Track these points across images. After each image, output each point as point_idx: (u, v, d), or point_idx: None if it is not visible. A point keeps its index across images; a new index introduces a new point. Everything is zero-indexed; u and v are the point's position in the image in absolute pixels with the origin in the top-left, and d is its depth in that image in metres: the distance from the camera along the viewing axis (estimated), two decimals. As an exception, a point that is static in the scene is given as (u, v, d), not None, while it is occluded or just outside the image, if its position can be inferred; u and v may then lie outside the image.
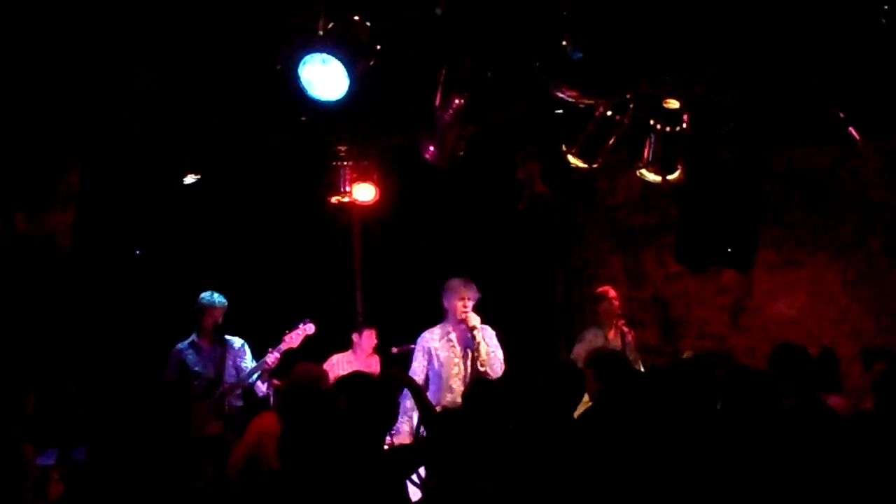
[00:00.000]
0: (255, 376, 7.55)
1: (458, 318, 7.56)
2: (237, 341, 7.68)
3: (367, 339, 8.34)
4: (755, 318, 9.16)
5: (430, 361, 7.63)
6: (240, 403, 7.63)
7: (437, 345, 7.66)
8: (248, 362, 7.67)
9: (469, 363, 7.58)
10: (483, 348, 7.52)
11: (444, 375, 7.60)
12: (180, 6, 5.49)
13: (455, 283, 7.66)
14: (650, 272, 9.83)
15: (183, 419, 4.79)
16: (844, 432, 4.59)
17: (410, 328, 8.00)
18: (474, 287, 7.64)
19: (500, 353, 7.65)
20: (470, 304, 7.58)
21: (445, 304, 7.67)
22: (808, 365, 5.08)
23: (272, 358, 7.46)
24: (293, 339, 7.58)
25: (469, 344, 7.56)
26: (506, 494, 4.35)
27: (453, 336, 7.64)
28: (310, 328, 7.64)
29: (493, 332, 7.72)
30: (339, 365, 8.17)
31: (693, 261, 8.35)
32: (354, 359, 8.28)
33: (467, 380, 7.48)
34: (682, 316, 9.62)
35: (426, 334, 7.72)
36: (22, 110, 6.32)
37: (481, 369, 7.49)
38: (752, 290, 9.21)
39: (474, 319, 7.53)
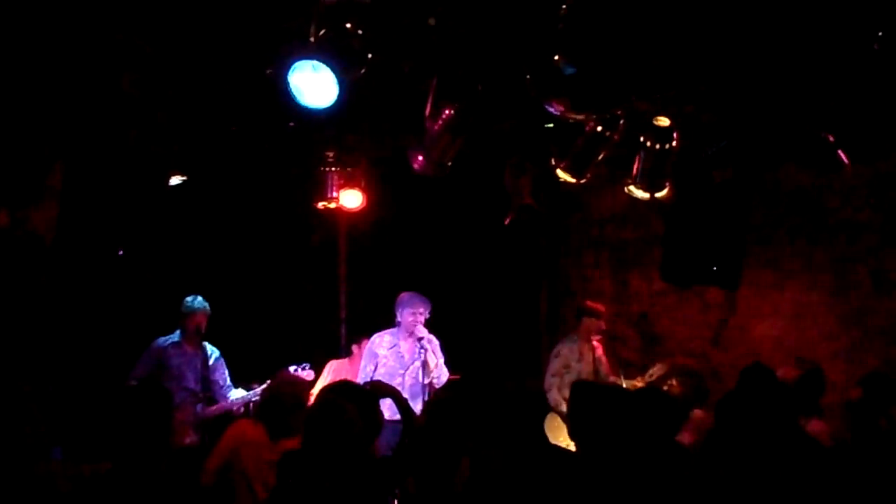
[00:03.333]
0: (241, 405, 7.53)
1: (409, 330, 7.69)
2: (215, 353, 7.64)
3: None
4: (739, 336, 9.17)
5: (375, 368, 7.72)
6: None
7: (384, 352, 7.80)
8: (226, 376, 7.63)
9: (409, 376, 7.71)
10: (431, 359, 7.67)
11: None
12: (171, 7, 5.45)
13: (408, 296, 7.84)
14: (635, 288, 9.83)
15: (165, 422, 4.73)
16: (823, 461, 4.56)
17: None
18: (427, 301, 7.79)
19: (442, 363, 7.79)
20: (421, 317, 7.73)
21: (398, 316, 7.82)
22: (778, 388, 5.05)
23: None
24: None
25: (416, 357, 7.68)
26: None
27: (402, 347, 7.79)
28: (309, 375, 7.58)
29: (438, 343, 7.84)
30: (336, 371, 8.16)
31: (678, 278, 8.35)
32: (350, 367, 8.26)
33: (407, 391, 7.52)
34: (666, 332, 9.62)
35: (375, 339, 7.86)
36: (6, 107, 6.27)
37: (426, 380, 7.64)
38: (737, 308, 9.22)
39: (422, 331, 7.68)
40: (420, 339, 7.63)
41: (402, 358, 7.77)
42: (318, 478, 4.08)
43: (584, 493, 4.30)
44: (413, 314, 7.70)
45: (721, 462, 4.51)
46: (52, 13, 5.54)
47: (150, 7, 5.44)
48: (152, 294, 8.27)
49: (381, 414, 4.62)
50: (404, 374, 7.73)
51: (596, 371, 8.24)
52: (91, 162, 7.36)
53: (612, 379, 8.14)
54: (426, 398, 7.48)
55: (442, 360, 7.78)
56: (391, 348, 7.79)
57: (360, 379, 7.54)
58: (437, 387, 7.64)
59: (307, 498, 4.07)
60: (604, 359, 8.44)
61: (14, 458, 4.47)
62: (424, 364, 7.62)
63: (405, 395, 7.42)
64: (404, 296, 7.84)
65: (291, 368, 7.44)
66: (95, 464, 4.52)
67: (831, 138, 6.50)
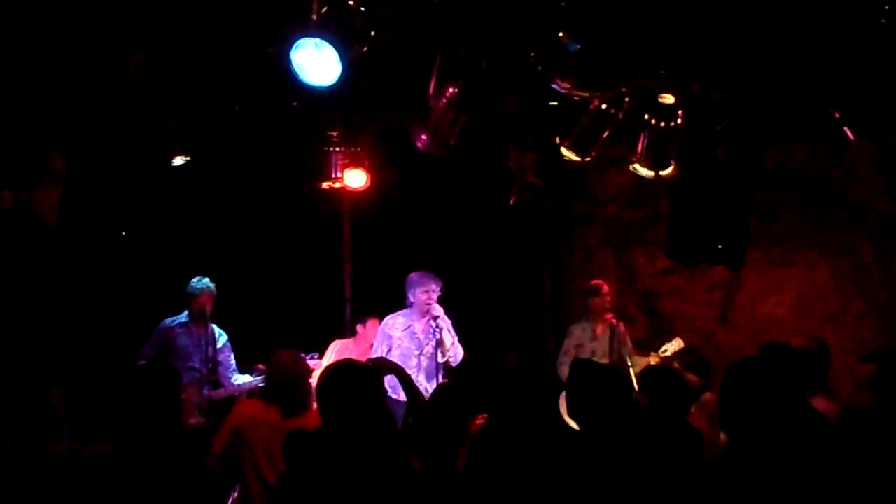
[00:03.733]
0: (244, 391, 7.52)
1: (422, 310, 7.63)
2: (223, 336, 7.63)
3: (370, 328, 8.33)
4: (744, 315, 9.15)
5: (389, 350, 7.67)
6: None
7: (398, 334, 7.74)
8: (231, 360, 7.64)
9: (425, 357, 7.66)
10: (447, 338, 7.61)
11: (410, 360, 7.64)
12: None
13: (417, 275, 7.76)
14: (640, 267, 9.81)
15: (173, 405, 4.74)
16: (829, 438, 4.54)
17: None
18: (438, 279, 7.72)
19: (458, 343, 7.73)
20: (434, 295, 7.65)
21: (410, 296, 7.74)
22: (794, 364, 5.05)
23: None
24: None
25: (431, 337, 7.62)
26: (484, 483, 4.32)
27: (416, 328, 7.72)
28: (316, 365, 7.48)
29: (450, 322, 7.77)
30: (340, 352, 8.16)
31: (683, 257, 8.33)
32: (355, 347, 8.26)
33: (423, 372, 7.55)
34: (671, 311, 9.61)
35: (388, 321, 7.80)
36: (9, 89, 6.26)
37: (442, 360, 7.59)
38: (742, 287, 9.20)
39: (438, 310, 7.61)
40: (436, 317, 7.55)
41: (416, 339, 7.70)
42: (329, 457, 4.08)
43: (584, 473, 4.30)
44: (426, 292, 7.62)
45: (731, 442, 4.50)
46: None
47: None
48: (156, 275, 8.27)
49: (384, 391, 4.62)
50: (419, 355, 7.66)
51: (614, 350, 8.14)
52: (95, 143, 7.36)
53: (633, 358, 8.07)
54: (440, 379, 7.46)
55: (457, 339, 7.71)
56: (405, 329, 7.72)
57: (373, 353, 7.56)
58: (452, 366, 7.60)
59: (320, 477, 4.07)
60: (627, 337, 8.38)
61: (28, 440, 4.48)
62: (440, 343, 7.56)
63: (421, 376, 7.49)
64: (414, 275, 7.76)
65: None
66: (102, 443, 4.53)
67: (837, 114, 6.45)
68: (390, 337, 7.72)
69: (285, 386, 5.55)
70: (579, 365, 4.90)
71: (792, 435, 4.02)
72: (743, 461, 3.97)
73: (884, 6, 5.10)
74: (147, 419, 4.34)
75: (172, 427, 4.43)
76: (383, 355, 7.57)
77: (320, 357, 7.67)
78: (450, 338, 7.63)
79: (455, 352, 7.66)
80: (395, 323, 7.77)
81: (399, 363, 7.45)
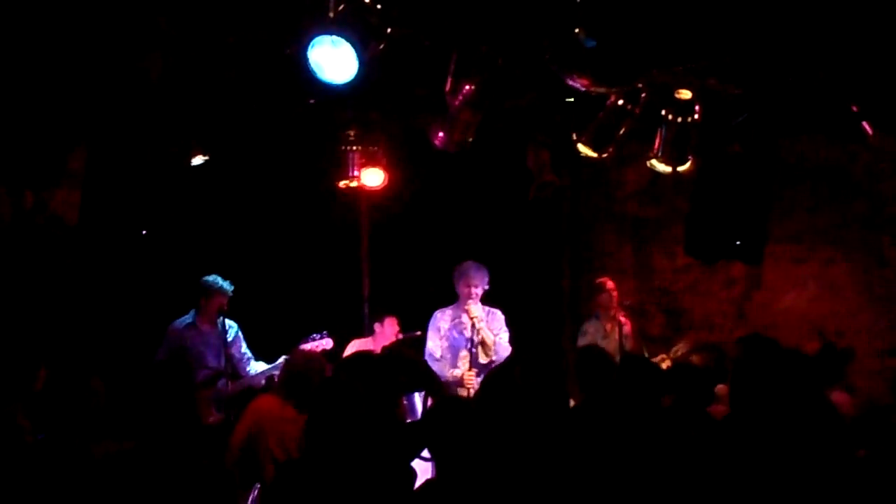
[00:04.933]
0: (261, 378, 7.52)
1: (465, 302, 7.55)
2: (233, 327, 7.62)
3: (388, 326, 8.29)
4: (763, 311, 9.12)
5: (439, 342, 7.63)
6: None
7: (447, 325, 7.68)
8: (244, 350, 7.64)
9: (475, 349, 7.51)
10: (488, 337, 7.52)
11: (449, 358, 7.59)
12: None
13: (465, 267, 7.67)
14: (658, 264, 9.79)
15: (189, 402, 4.76)
16: (843, 431, 4.53)
17: (417, 314, 8.00)
18: (485, 272, 7.64)
19: (505, 339, 7.63)
20: (477, 290, 7.57)
21: (456, 287, 7.67)
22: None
23: None
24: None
25: (474, 334, 7.51)
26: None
27: (465, 319, 7.58)
28: (328, 343, 7.50)
29: (502, 317, 7.69)
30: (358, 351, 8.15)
31: (702, 253, 8.31)
32: (374, 345, 8.26)
33: (473, 364, 7.46)
34: (690, 308, 9.59)
35: (438, 314, 7.75)
36: (29, 89, 6.30)
37: (485, 360, 7.47)
38: (761, 283, 9.17)
39: (476, 310, 7.51)
40: (473, 318, 7.42)
41: (465, 330, 7.57)
42: (339, 446, 4.09)
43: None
44: (467, 286, 7.54)
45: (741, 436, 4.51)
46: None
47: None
48: (176, 274, 8.30)
49: (399, 380, 4.62)
50: (471, 348, 7.47)
51: (622, 348, 8.16)
52: (113, 143, 7.40)
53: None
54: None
55: (504, 338, 7.61)
56: (453, 321, 7.65)
57: (432, 355, 7.54)
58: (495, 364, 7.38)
59: (330, 465, 4.09)
60: (631, 336, 8.37)
61: (66, 441, 4.51)
62: (481, 343, 7.44)
63: (473, 370, 7.43)
64: (460, 267, 7.67)
65: (309, 338, 7.43)
66: (118, 442, 4.56)
67: (855, 108, 6.42)
68: (439, 328, 7.67)
69: (299, 382, 5.57)
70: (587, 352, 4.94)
71: (796, 419, 4.04)
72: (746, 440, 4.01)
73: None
74: (160, 418, 4.36)
75: (187, 425, 4.45)
76: (439, 346, 7.57)
77: (329, 335, 7.62)
78: (490, 336, 7.55)
79: (497, 349, 7.54)
80: (444, 315, 7.71)
81: (448, 356, 7.50)
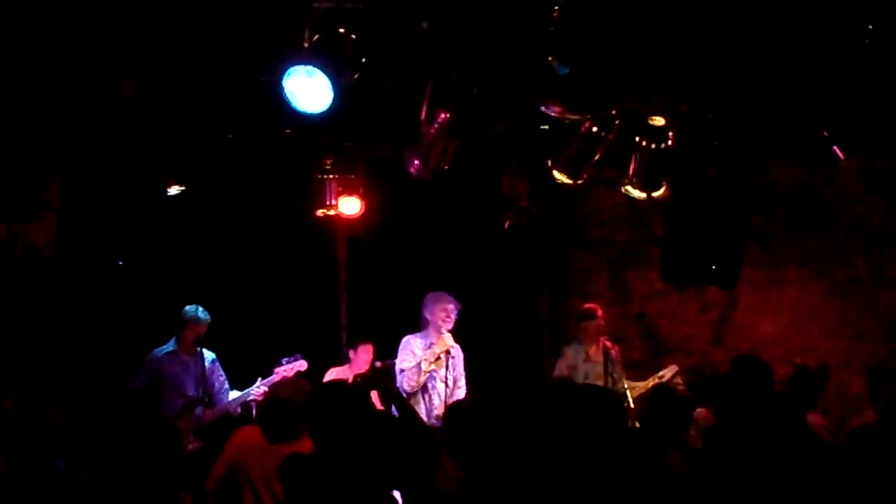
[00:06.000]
0: (238, 405, 7.50)
1: (438, 329, 7.52)
2: (209, 355, 7.59)
3: (362, 353, 8.30)
4: (740, 335, 9.17)
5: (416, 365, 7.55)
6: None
7: (419, 353, 7.58)
8: (223, 379, 7.63)
9: (441, 381, 7.54)
10: (461, 371, 7.59)
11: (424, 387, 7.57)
12: (164, 16, 5.47)
13: (437, 295, 7.66)
14: (635, 289, 9.83)
15: (170, 430, 4.74)
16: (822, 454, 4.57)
17: (395, 341, 7.98)
18: (456, 300, 7.64)
19: (463, 383, 7.65)
20: (453, 316, 7.57)
21: (426, 315, 7.64)
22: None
23: (260, 391, 7.37)
24: (284, 373, 7.48)
25: (445, 365, 7.52)
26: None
27: (438, 350, 7.54)
28: (302, 365, 7.50)
29: (462, 355, 7.71)
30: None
31: (677, 278, 8.36)
32: (351, 373, 8.23)
33: (438, 397, 7.48)
34: (667, 332, 9.63)
35: (411, 339, 7.66)
36: (3, 119, 6.29)
37: (450, 397, 7.44)
38: (737, 307, 9.23)
39: (449, 340, 7.52)
40: (447, 350, 7.44)
41: (439, 360, 7.54)
42: (323, 479, 4.09)
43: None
44: (444, 310, 7.51)
45: (724, 457, 4.53)
46: (49, 27, 5.56)
47: (143, 18, 5.45)
48: (153, 303, 8.27)
49: (371, 407, 4.61)
50: (441, 378, 7.49)
51: (608, 373, 8.13)
52: (89, 175, 7.39)
53: (621, 383, 8.06)
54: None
55: (463, 379, 7.64)
56: (427, 349, 7.57)
57: (404, 376, 7.48)
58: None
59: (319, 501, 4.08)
60: (618, 362, 8.36)
61: (26, 468, 4.47)
62: (448, 380, 7.45)
63: (437, 399, 7.40)
64: (432, 294, 7.67)
65: (283, 361, 7.41)
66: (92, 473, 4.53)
67: (826, 133, 6.50)
68: (415, 354, 7.57)
69: (278, 414, 5.55)
70: (569, 387, 4.92)
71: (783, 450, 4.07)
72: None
73: (867, 26, 5.15)
74: (138, 445, 4.33)
75: (169, 453, 4.43)
76: (411, 367, 7.50)
77: (303, 358, 7.61)
78: (462, 373, 7.58)
79: (458, 390, 7.56)
80: (416, 344, 7.62)
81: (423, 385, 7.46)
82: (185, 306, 7.59)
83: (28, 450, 4.42)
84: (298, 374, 7.39)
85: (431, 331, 7.63)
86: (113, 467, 4.36)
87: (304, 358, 7.57)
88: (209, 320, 7.56)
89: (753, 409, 4.67)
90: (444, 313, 7.55)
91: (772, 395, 4.95)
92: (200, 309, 7.57)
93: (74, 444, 4.76)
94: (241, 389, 7.58)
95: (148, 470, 4.31)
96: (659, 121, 6.63)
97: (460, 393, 7.56)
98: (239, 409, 7.43)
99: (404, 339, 7.71)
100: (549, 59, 5.29)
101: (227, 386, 7.67)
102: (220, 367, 7.65)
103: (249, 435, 5.71)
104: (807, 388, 5.69)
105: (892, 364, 7.68)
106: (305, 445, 4.92)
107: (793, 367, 5.89)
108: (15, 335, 7.08)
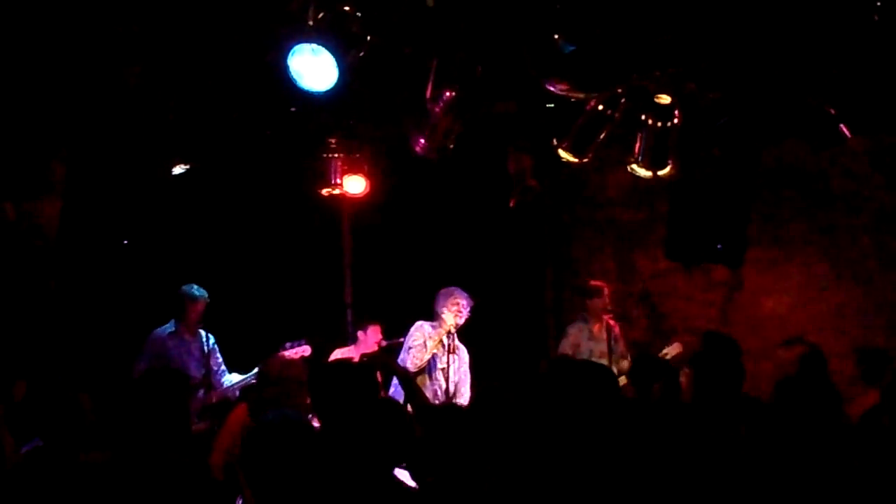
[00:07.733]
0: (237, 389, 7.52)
1: (450, 323, 7.45)
2: (210, 338, 7.62)
3: (371, 334, 8.29)
4: (745, 314, 9.17)
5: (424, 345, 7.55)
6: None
7: (431, 343, 7.56)
8: (220, 361, 7.66)
9: (442, 374, 7.55)
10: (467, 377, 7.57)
11: (432, 374, 7.60)
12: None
13: (449, 290, 7.58)
14: (640, 268, 9.83)
15: (184, 409, 4.75)
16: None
17: (400, 321, 7.99)
18: (468, 296, 7.56)
19: (467, 388, 7.62)
20: (465, 311, 7.50)
21: (439, 310, 7.56)
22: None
23: None
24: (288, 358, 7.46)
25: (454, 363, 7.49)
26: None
27: (447, 342, 7.51)
28: (305, 350, 7.46)
29: (468, 359, 7.69)
30: None
31: (683, 257, 8.34)
32: (356, 354, 8.22)
33: (445, 391, 7.47)
34: (672, 311, 9.63)
35: (426, 325, 7.62)
36: (8, 100, 6.28)
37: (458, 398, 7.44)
38: (742, 286, 9.22)
39: (455, 338, 7.47)
40: (454, 350, 7.40)
41: (440, 342, 7.55)
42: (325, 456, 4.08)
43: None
44: (457, 304, 7.45)
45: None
46: (53, 7, 5.55)
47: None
48: (158, 283, 8.28)
49: (377, 387, 4.61)
50: (443, 369, 7.50)
51: (611, 350, 8.15)
52: (94, 153, 7.38)
53: (623, 363, 8.09)
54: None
55: (467, 385, 7.60)
56: (437, 340, 7.55)
57: (409, 353, 7.49)
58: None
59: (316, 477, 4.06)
60: (621, 339, 8.39)
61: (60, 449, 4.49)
62: (450, 377, 7.42)
63: (440, 391, 7.42)
64: (445, 289, 7.58)
65: (287, 345, 7.42)
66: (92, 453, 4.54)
67: (832, 111, 6.47)
68: (427, 346, 7.54)
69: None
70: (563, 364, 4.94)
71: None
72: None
73: (877, 3, 5.12)
74: (158, 426, 4.33)
75: (182, 433, 4.43)
76: (420, 349, 7.49)
77: (307, 343, 7.61)
78: (466, 377, 7.57)
79: (463, 398, 7.50)
80: (431, 332, 7.57)
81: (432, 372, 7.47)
82: (182, 286, 7.61)
83: (58, 437, 4.43)
84: (303, 358, 7.38)
85: (440, 324, 7.55)
86: (126, 446, 4.35)
87: (309, 343, 7.56)
88: (206, 297, 7.58)
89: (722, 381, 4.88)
90: (456, 308, 7.49)
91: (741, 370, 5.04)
92: (195, 287, 7.59)
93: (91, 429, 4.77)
94: (243, 373, 7.59)
95: (159, 446, 4.29)
96: (665, 99, 6.61)
97: (462, 400, 7.47)
98: (237, 394, 7.44)
99: (418, 323, 7.66)
100: (556, 36, 5.28)
101: (223, 368, 7.70)
102: (217, 350, 7.68)
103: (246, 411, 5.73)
104: (819, 367, 5.69)
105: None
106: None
107: (807, 347, 5.89)
108: (22, 314, 7.10)
